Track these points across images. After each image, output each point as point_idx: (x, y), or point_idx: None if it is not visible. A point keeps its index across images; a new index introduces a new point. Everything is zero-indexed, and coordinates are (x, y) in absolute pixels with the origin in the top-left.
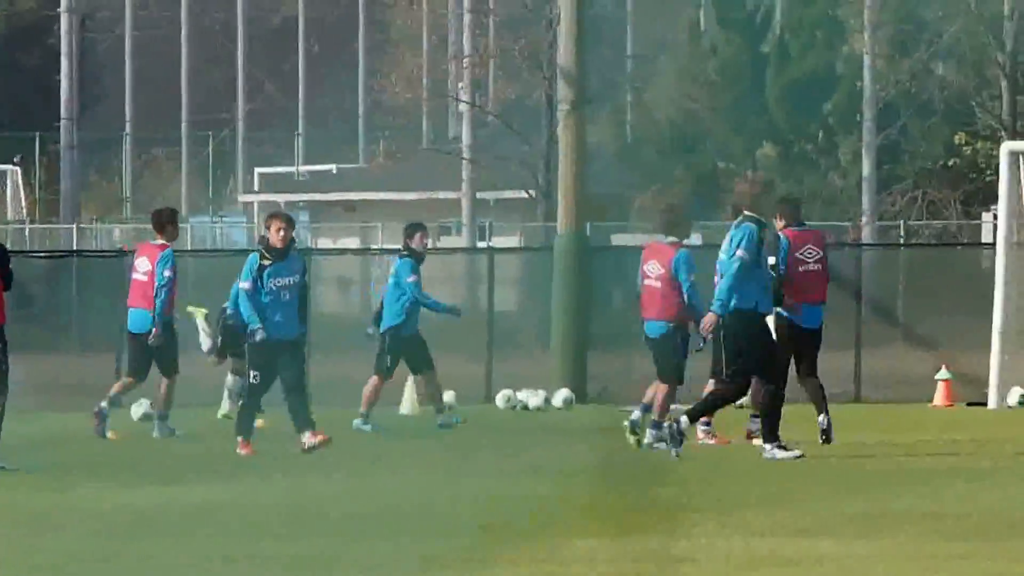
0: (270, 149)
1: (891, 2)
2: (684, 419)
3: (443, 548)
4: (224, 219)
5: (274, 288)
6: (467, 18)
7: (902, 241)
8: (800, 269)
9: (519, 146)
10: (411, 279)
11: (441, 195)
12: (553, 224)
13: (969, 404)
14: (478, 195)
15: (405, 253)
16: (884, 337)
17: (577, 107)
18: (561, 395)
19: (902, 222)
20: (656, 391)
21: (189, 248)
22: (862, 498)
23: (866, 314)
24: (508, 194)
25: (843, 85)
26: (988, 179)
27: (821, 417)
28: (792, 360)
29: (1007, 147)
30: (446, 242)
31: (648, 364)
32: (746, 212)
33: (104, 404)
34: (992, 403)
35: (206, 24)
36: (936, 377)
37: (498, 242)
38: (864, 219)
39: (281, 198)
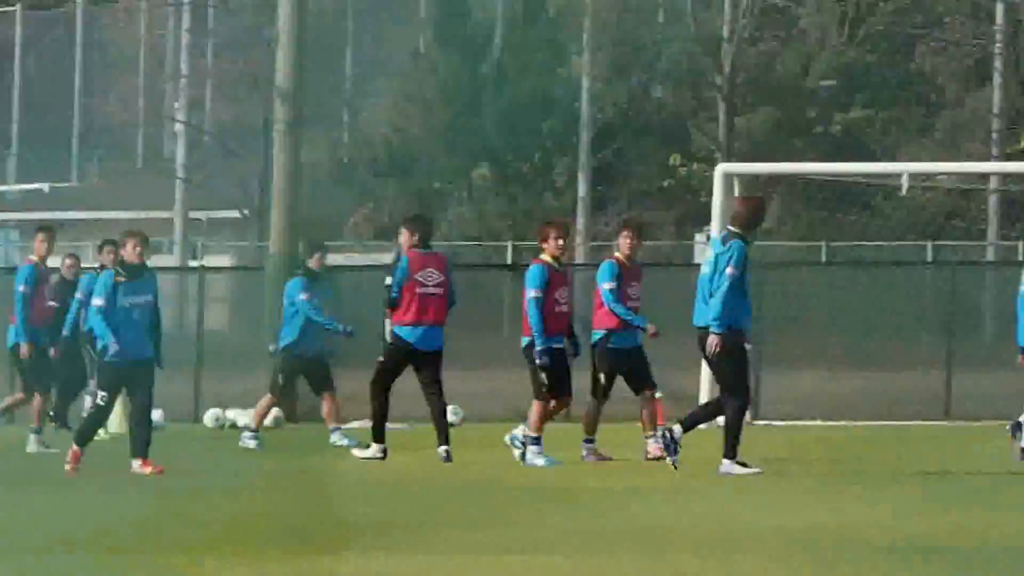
0: None
1: (610, 25)
2: (677, 428)
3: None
4: None
5: (127, 307)
6: (185, 38)
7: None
8: (418, 291)
9: (234, 166)
10: (303, 297)
11: (154, 214)
12: (266, 244)
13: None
14: (191, 215)
15: (299, 272)
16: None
17: (293, 127)
18: (271, 414)
19: (616, 243)
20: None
21: None
22: (582, 514)
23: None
24: (221, 214)
25: (561, 107)
26: (702, 200)
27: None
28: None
29: (721, 168)
30: (157, 261)
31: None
32: (732, 229)
33: None
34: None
35: None
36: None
37: (210, 261)
38: (579, 239)
39: None
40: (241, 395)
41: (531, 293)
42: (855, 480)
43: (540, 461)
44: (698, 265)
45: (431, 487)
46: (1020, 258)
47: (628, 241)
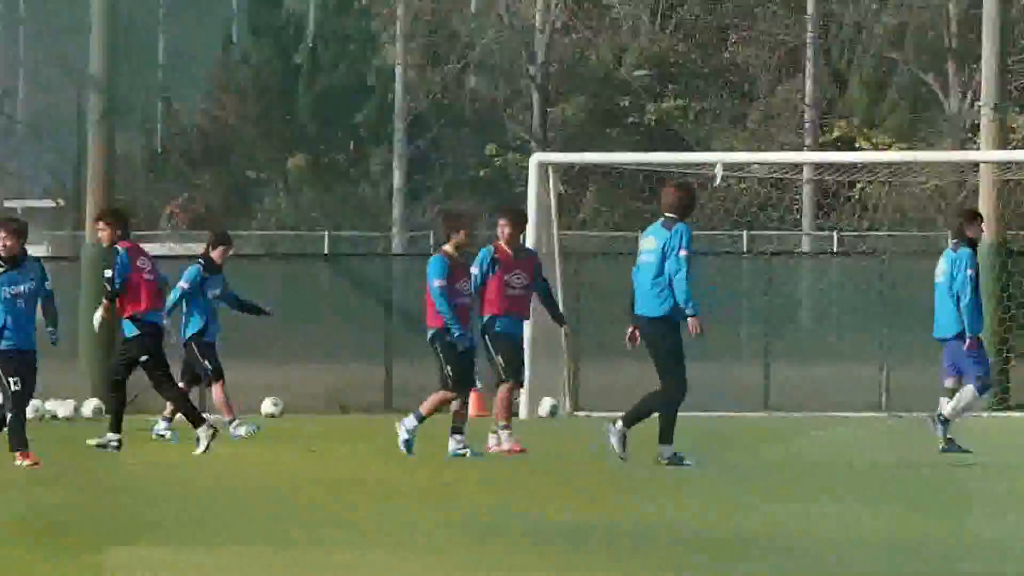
0: None
1: (423, 13)
2: (620, 424)
3: None
4: None
5: (8, 296)
6: None
7: (432, 251)
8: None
9: (48, 155)
10: (184, 284)
11: None
12: (82, 233)
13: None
14: (5, 203)
15: (199, 260)
16: (414, 349)
17: (107, 116)
18: (91, 405)
19: (432, 232)
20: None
21: None
22: (403, 507)
23: (397, 322)
24: (37, 203)
25: (375, 96)
26: (518, 190)
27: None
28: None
29: (536, 158)
30: None
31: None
32: (669, 215)
33: None
34: (523, 413)
35: None
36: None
37: None
38: (395, 229)
39: None
40: (60, 387)
41: (436, 283)
42: (676, 474)
43: (403, 435)
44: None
45: (228, 484)
46: (835, 248)
47: (505, 230)
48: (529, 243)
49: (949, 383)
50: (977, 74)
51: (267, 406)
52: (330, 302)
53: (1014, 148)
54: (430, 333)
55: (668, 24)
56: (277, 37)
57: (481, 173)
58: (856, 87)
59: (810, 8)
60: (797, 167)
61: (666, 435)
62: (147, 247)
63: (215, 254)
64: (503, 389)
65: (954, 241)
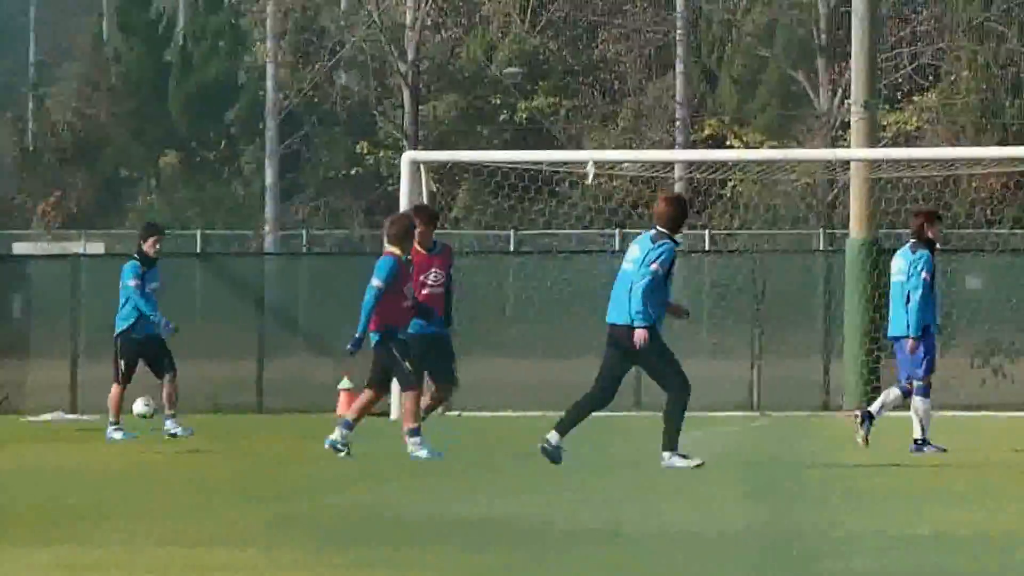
0: None
1: (293, 11)
2: (671, 456)
3: None
4: None
5: None
6: None
7: (305, 250)
8: None
9: None
10: (132, 283)
11: None
12: None
13: (371, 414)
14: None
15: (135, 255)
16: (287, 346)
17: None
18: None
19: (305, 231)
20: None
21: None
22: (275, 506)
23: (269, 321)
24: None
25: (246, 94)
26: (390, 188)
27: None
28: None
29: (408, 156)
30: None
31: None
32: (660, 228)
33: None
34: (394, 413)
35: None
36: (338, 387)
37: None
38: (267, 227)
39: None
40: None
41: (375, 282)
42: (550, 469)
43: (422, 453)
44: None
45: (110, 477)
46: (707, 246)
47: (419, 229)
48: None
49: (904, 383)
50: (847, 72)
51: (139, 407)
52: (202, 301)
53: (884, 146)
54: (376, 338)
55: (538, 22)
56: (148, 35)
57: (353, 171)
58: (727, 85)
59: (680, 5)
60: (668, 165)
61: (672, 441)
62: (19, 246)
63: (146, 246)
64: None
65: (913, 241)
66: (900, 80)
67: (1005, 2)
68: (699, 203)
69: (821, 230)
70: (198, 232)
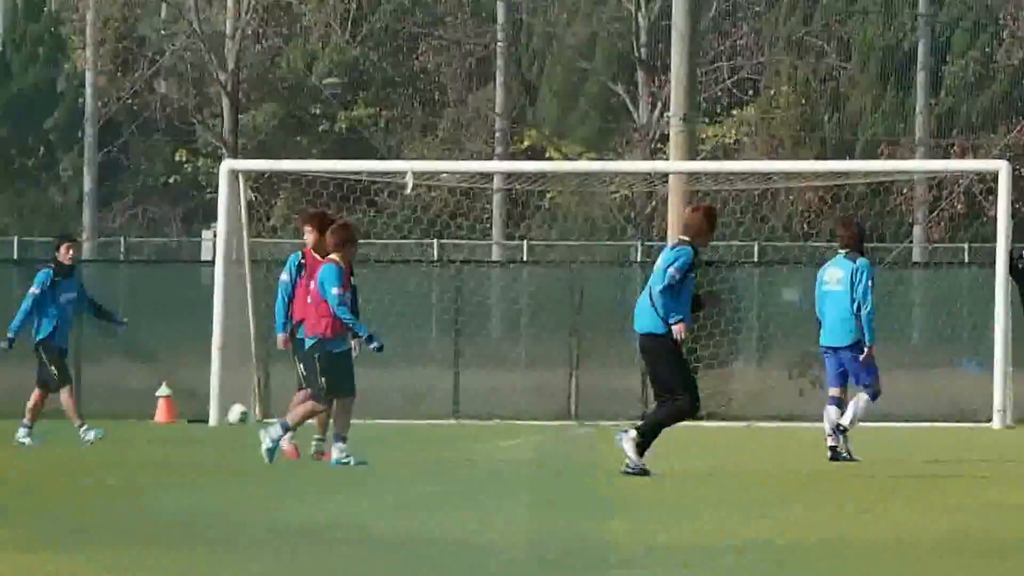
0: None
1: (113, 19)
2: (632, 432)
3: None
4: None
5: None
6: None
7: (122, 257)
8: None
9: None
10: (33, 289)
11: None
12: None
13: (190, 421)
14: None
15: (50, 264)
16: (104, 351)
17: None
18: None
19: (123, 238)
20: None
21: None
22: (79, 512)
23: (87, 329)
24: None
25: (65, 101)
26: (209, 196)
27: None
28: None
29: (227, 165)
30: None
31: None
32: (682, 238)
33: None
34: (213, 420)
35: None
36: (156, 394)
37: None
38: (85, 235)
39: None
40: None
41: (334, 291)
42: (353, 475)
43: (350, 460)
44: (207, 262)
45: None
46: (525, 257)
47: (309, 237)
48: (219, 249)
49: (835, 391)
50: (667, 85)
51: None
52: (19, 307)
53: (703, 159)
54: (310, 342)
55: (359, 32)
56: None
57: (172, 179)
58: (546, 97)
59: (500, 17)
60: (487, 176)
61: (646, 444)
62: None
63: (60, 254)
64: (301, 395)
65: (847, 250)
66: (719, 94)
67: (824, 17)
68: (517, 214)
69: (639, 242)
70: (15, 239)
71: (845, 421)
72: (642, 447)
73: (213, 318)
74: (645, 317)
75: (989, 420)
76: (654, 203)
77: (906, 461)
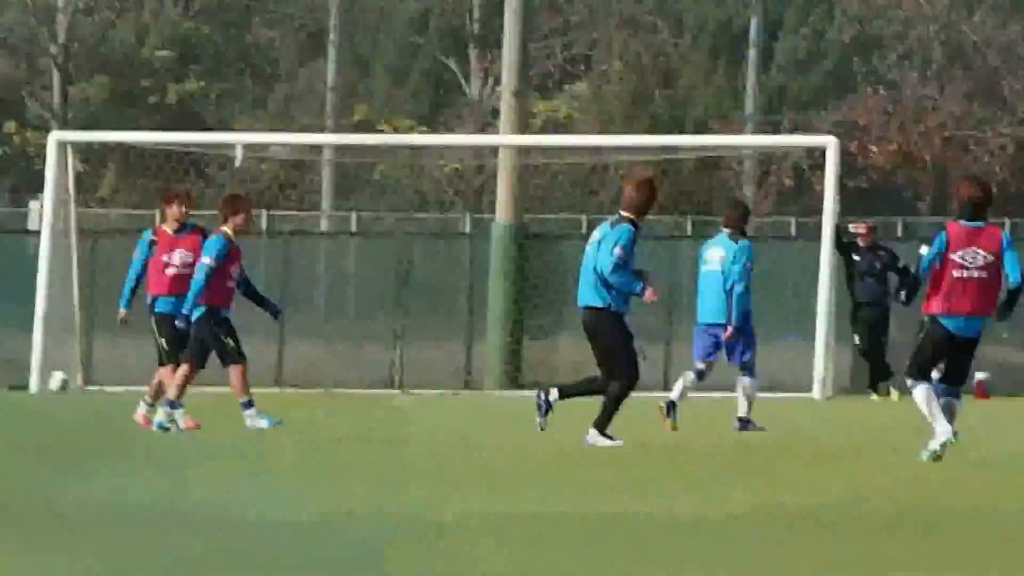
0: None
1: None
2: (555, 392)
3: None
4: None
5: None
6: None
7: None
8: None
9: None
10: None
11: None
12: None
13: (11, 388)
14: None
15: None
16: None
17: None
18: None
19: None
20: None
21: None
22: None
23: None
24: None
25: None
26: (37, 168)
27: None
28: None
29: (55, 137)
30: None
31: None
32: (623, 213)
33: None
34: (34, 387)
35: None
36: None
37: None
38: None
39: None
40: None
41: (207, 260)
42: (187, 448)
43: (263, 423)
44: (33, 232)
45: None
46: (353, 229)
47: (170, 210)
48: (45, 219)
49: (701, 366)
50: (499, 60)
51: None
52: None
53: (534, 133)
54: (201, 310)
55: (191, 6)
56: None
57: (0, 151)
58: (378, 71)
59: None
60: (318, 149)
61: (602, 423)
62: None
63: None
64: (166, 370)
65: (730, 230)
66: (552, 69)
67: None
68: (347, 187)
69: (468, 214)
70: None
71: (675, 395)
72: (602, 425)
73: (37, 287)
74: (588, 291)
75: (810, 391)
76: (484, 176)
77: (726, 432)
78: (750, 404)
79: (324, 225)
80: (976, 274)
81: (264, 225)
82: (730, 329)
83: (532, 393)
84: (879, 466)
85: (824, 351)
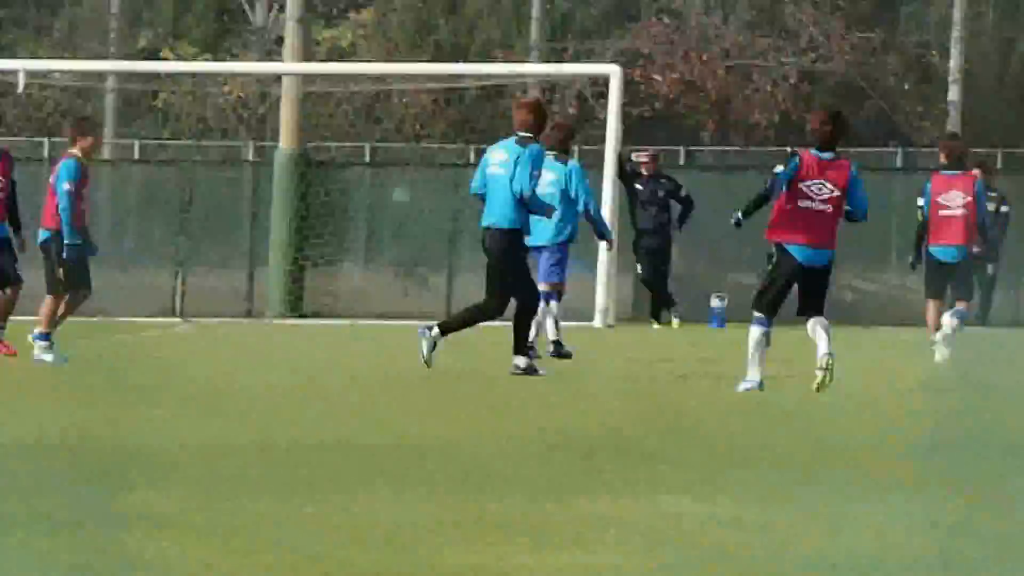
0: None
1: None
2: (436, 329)
3: None
4: None
5: None
6: None
7: None
8: None
9: None
10: None
11: None
12: None
13: None
14: None
15: None
16: None
17: None
18: None
19: None
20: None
21: None
22: None
23: None
24: None
25: None
26: None
27: None
28: None
29: None
30: None
31: None
32: (525, 134)
33: None
34: None
35: None
36: None
37: None
38: None
39: None
40: None
41: (66, 186)
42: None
43: (48, 357)
44: None
45: None
46: (136, 156)
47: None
48: None
49: (543, 287)
50: None
51: None
52: None
53: (319, 61)
54: (44, 235)
55: None
56: None
57: None
58: None
59: None
60: (101, 76)
61: (521, 347)
62: None
63: None
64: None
65: (555, 152)
66: None
67: None
68: (130, 113)
69: (251, 142)
70: None
71: (549, 334)
72: (521, 349)
73: None
74: (499, 212)
75: (591, 320)
76: (267, 104)
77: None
78: (557, 329)
79: (107, 153)
80: (820, 206)
81: (47, 153)
82: (609, 241)
83: (315, 322)
84: (643, 394)
85: (606, 280)
